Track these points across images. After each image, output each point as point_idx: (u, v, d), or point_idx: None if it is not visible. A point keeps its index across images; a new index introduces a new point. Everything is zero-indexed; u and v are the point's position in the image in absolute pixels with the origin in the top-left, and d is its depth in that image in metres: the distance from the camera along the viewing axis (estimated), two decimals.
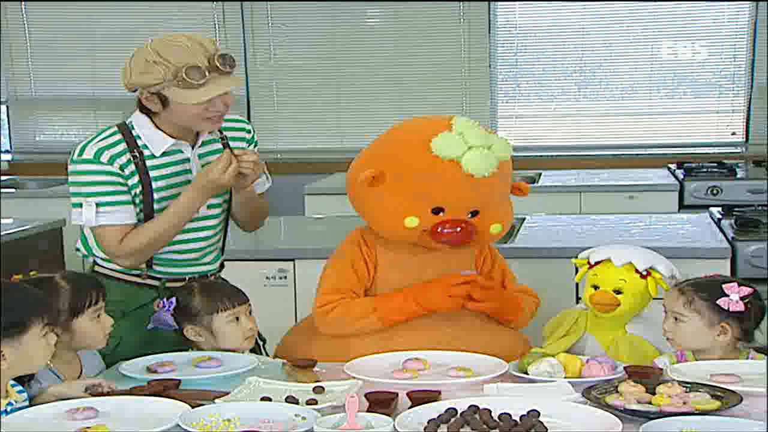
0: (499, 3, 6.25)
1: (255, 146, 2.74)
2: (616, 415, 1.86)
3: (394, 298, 2.45)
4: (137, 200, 2.52)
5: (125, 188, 2.49)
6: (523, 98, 6.46)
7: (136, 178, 2.50)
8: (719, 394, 1.97)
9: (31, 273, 2.23)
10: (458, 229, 2.38)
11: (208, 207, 2.60)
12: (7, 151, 6.77)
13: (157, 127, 2.52)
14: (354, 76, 6.41)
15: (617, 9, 6.21)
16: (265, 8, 6.41)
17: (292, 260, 3.53)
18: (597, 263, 2.48)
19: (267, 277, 3.49)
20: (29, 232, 4.18)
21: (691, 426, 1.80)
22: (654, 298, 2.47)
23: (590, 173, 5.59)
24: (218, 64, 2.41)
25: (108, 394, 2.06)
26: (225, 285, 2.62)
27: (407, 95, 6.32)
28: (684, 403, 1.91)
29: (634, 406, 1.91)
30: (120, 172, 2.48)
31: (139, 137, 2.52)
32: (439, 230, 2.39)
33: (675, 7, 6.13)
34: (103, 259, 2.62)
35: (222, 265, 2.77)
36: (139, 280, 2.61)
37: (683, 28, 6.19)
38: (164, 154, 2.54)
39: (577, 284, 3.30)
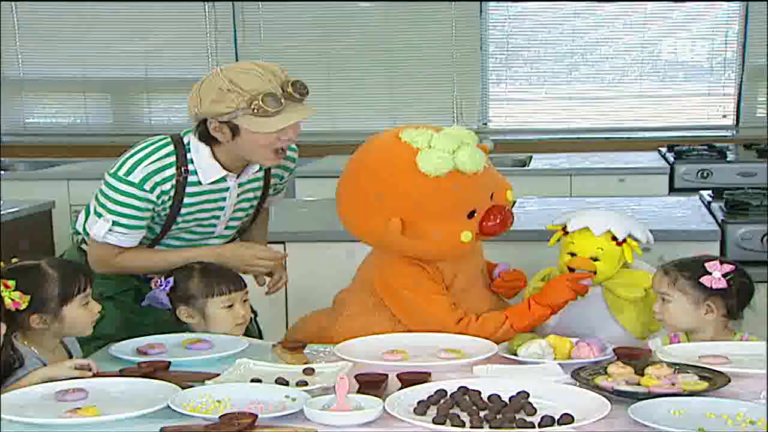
0: None
1: (290, 173, 2.69)
2: (605, 397, 1.86)
3: (520, 308, 2.45)
4: (159, 216, 2.48)
5: (150, 214, 2.45)
6: (514, 81, 6.45)
7: (170, 202, 2.46)
8: (707, 375, 1.97)
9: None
10: (498, 219, 2.43)
11: (226, 228, 2.61)
12: None
13: (214, 156, 2.45)
14: (345, 59, 6.38)
15: None
16: None
17: (283, 243, 3.52)
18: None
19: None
20: (18, 214, 4.16)
21: (680, 407, 1.81)
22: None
23: (581, 156, 5.57)
24: (291, 92, 2.34)
25: (97, 375, 2.06)
26: (225, 269, 2.57)
27: (398, 78, 6.30)
28: (672, 384, 1.92)
29: (623, 387, 1.92)
30: (155, 200, 2.43)
31: (192, 161, 2.45)
32: (487, 226, 2.43)
33: None
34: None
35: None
36: None
37: (675, 11, 6.17)
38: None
39: None
